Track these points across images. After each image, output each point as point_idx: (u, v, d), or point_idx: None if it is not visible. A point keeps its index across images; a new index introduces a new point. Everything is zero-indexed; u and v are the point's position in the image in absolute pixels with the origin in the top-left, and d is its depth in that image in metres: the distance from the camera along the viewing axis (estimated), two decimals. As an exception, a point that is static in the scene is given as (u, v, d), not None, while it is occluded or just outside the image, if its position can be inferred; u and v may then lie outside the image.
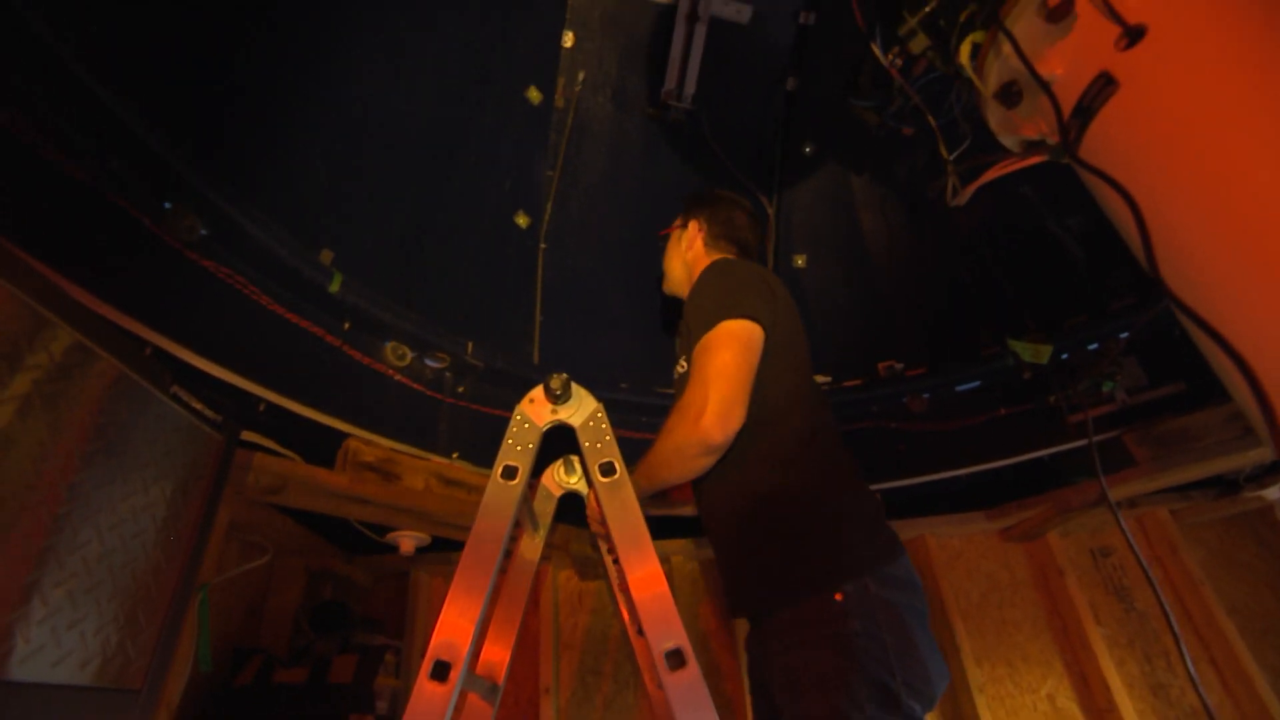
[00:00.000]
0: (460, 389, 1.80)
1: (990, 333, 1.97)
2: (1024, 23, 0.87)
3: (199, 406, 1.22)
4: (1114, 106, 0.77)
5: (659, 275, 1.79)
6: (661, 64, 2.09)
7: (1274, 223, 0.63)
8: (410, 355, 1.70)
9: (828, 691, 1.02)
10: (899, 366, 2.11)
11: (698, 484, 1.33)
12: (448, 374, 1.80)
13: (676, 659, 0.89)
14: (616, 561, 1.06)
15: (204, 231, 1.31)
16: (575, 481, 1.41)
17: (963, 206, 1.13)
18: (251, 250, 1.39)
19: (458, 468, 1.69)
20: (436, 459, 1.68)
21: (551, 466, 1.42)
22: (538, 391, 1.15)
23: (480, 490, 1.12)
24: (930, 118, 1.21)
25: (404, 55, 1.72)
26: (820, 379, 2.12)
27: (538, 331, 2.00)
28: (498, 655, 1.24)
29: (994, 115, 1.00)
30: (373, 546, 1.90)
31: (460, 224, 1.87)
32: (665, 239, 1.78)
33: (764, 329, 1.27)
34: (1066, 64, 0.84)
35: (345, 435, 1.54)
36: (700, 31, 2.01)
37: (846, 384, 2.14)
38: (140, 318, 1.16)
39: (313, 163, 1.54)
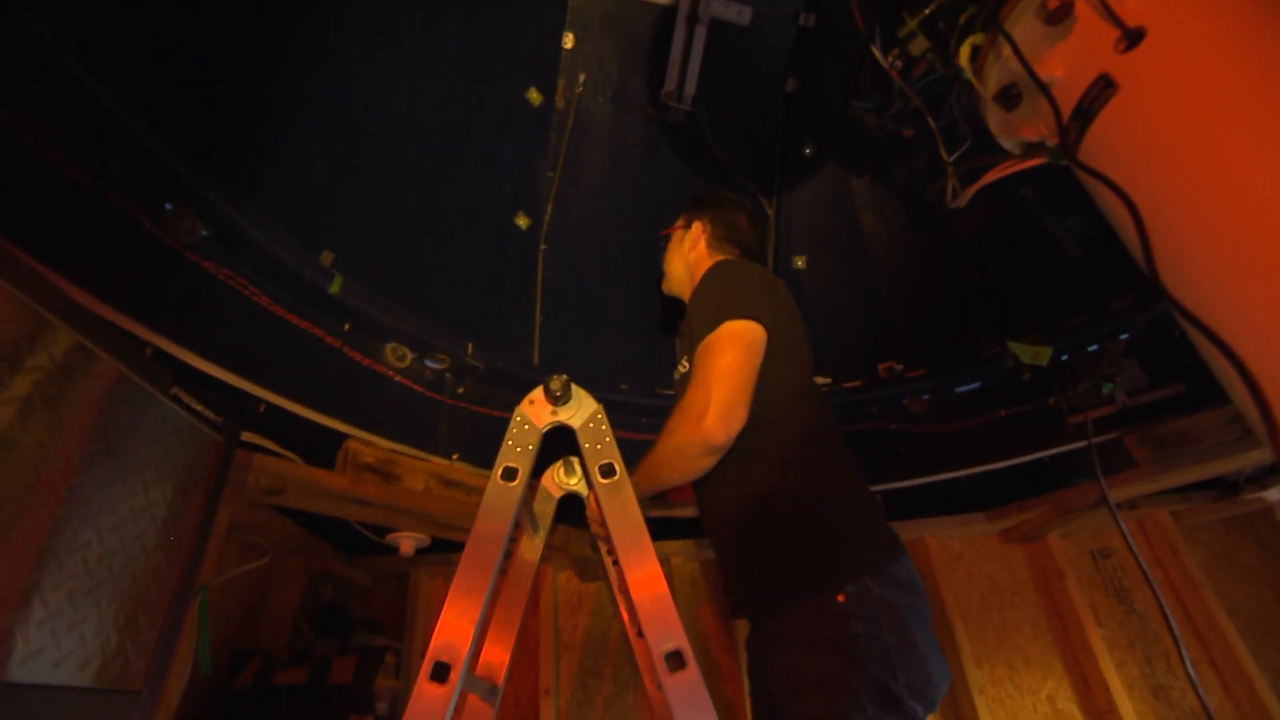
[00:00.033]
0: (460, 390, 1.81)
1: (990, 334, 1.97)
2: (1023, 25, 0.87)
3: (199, 408, 1.22)
4: (1113, 109, 0.77)
5: (659, 276, 1.79)
6: (662, 65, 2.09)
7: (1273, 225, 0.63)
8: (410, 356, 1.70)
9: (829, 692, 1.02)
10: (899, 368, 2.11)
11: (698, 485, 1.32)
12: (448, 375, 1.80)
13: (676, 660, 0.89)
14: (616, 563, 1.05)
15: (204, 233, 1.31)
16: (575, 483, 1.41)
17: (963, 208, 1.13)
18: (252, 251, 1.39)
19: (458, 469, 1.69)
20: (436, 460, 1.68)
21: (551, 468, 1.42)
22: (538, 393, 1.15)
23: (480, 491, 1.13)
24: (930, 119, 1.21)
25: (404, 56, 1.72)
26: (820, 380, 2.12)
27: (538, 333, 2.00)
28: (497, 656, 1.24)
29: (994, 117, 1.00)
30: (372, 547, 1.90)
31: (460, 225, 1.88)
32: (666, 239, 1.78)
33: (767, 330, 1.27)
34: (1066, 66, 0.84)
35: (345, 436, 1.54)
36: (700, 33, 2.02)
37: (846, 385, 2.14)
38: (140, 319, 1.16)
39: (313, 164, 1.55)
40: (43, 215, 1.08)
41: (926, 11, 1.07)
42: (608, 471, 1.08)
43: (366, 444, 1.56)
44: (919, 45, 1.11)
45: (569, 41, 2.07)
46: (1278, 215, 0.62)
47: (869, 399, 2.12)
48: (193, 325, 1.26)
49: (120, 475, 1.04)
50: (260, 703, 1.70)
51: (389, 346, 1.68)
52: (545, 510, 1.38)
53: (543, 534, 1.36)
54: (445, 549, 1.93)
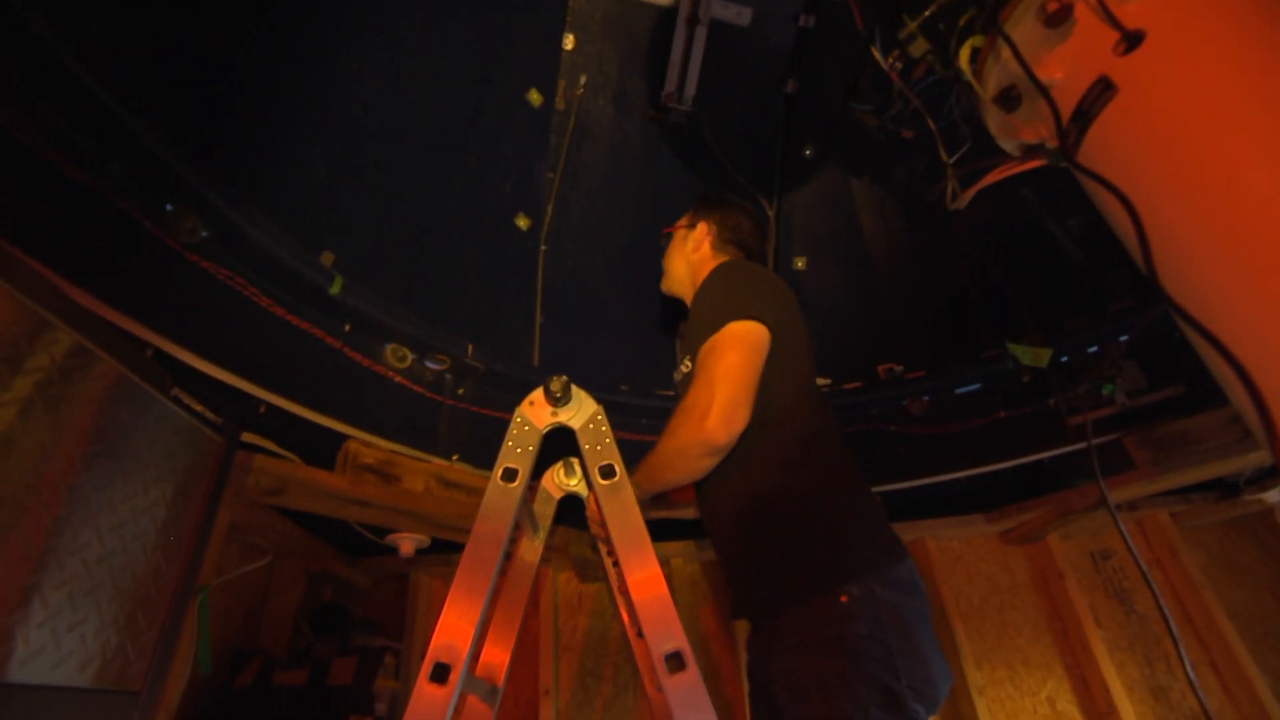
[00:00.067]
0: (460, 391, 1.81)
1: (990, 336, 1.98)
2: (1023, 27, 0.87)
3: (199, 408, 1.22)
4: (1112, 111, 0.78)
5: (659, 275, 1.79)
6: (662, 67, 2.09)
7: (1273, 228, 0.63)
8: (410, 357, 1.70)
9: (831, 693, 1.02)
10: (899, 369, 2.11)
11: (699, 485, 1.33)
12: (448, 376, 1.80)
13: (676, 662, 0.89)
14: (616, 564, 1.06)
15: (205, 233, 1.31)
16: (575, 484, 1.41)
17: (962, 209, 1.13)
18: (252, 252, 1.39)
19: (458, 470, 1.69)
20: (436, 461, 1.68)
21: (551, 469, 1.42)
22: (538, 394, 1.15)
23: (480, 492, 1.13)
24: (930, 121, 1.22)
25: (404, 56, 1.72)
26: (820, 381, 2.12)
27: (538, 333, 2.00)
28: (497, 657, 1.24)
29: (993, 119, 1.00)
30: (372, 548, 1.90)
31: (461, 226, 1.88)
32: (667, 238, 1.77)
33: (771, 331, 1.27)
34: (1065, 69, 0.84)
35: (345, 437, 1.54)
36: (700, 34, 2.02)
37: (846, 386, 2.14)
38: (141, 320, 1.16)
39: (313, 164, 1.55)
40: (43, 216, 1.08)
41: (926, 13, 1.07)
42: (608, 473, 1.08)
43: (366, 445, 1.56)
44: (919, 47, 1.12)
45: (569, 43, 2.07)
46: (1276, 217, 0.62)
47: (869, 400, 2.12)
48: (193, 326, 1.26)
49: (120, 476, 1.04)
50: (260, 703, 1.70)
51: (389, 347, 1.68)
52: (545, 511, 1.38)
53: (543, 535, 1.36)
54: (445, 550, 1.93)
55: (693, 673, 0.88)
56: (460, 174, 1.87)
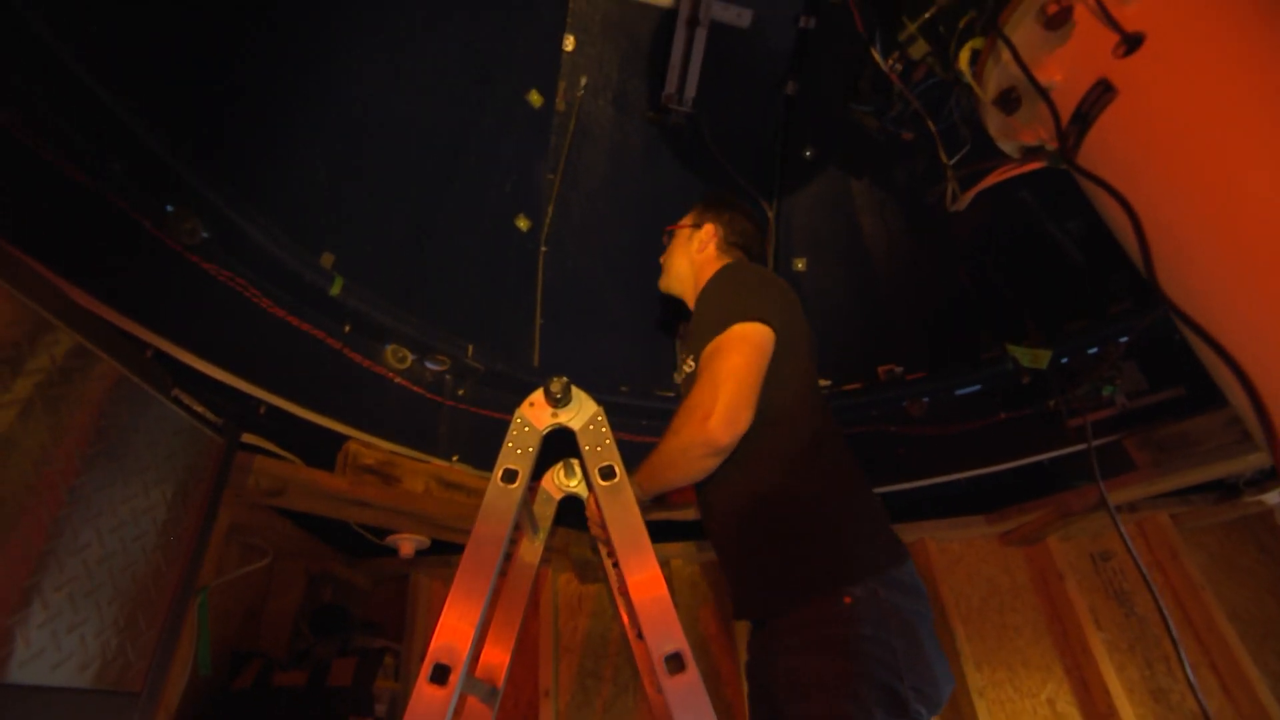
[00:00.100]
0: (460, 392, 1.81)
1: (990, 337, 1.98)
2: (1023, 30, 0.87)
3: (200, 409, 1.22)
4: (1112, 113, 0.78)
5: (659, 274, 1.78)
6: (662, 68, 2.09)
7: (1272, 230, 0.63)
8: (410, 358, 1.70)
9: (833, 694, 1.02)
10: (899, 370, 2.11)
11: (701, 486, 1.32)
12: (448, 377, 1.80)
13: (676, 663, 0.89)
14: (616, 565, 1.05)
15: (205, 234, 1.31)
16: (575, 485, 1.41)
17: (962, 211, 1.14)
18: (252, 253, 1.39)
19: (458, 471, 1.69)
20: (436, 462, 1.68)
21: (551, 470, 1.42)
22: (538, 395, 1.15)
23: (480, 493, 1.13)
24: (930, 123, 1.22)
25: (405, 57, 1.72)
26: (820, 382, 2.12)
27: (538, 335, 2.00)
28: (497, 658, 1.24)
29: (993, 121, 1.00)
30: (372, 549, 1.90)
31: (461, 227, 1.88)
32: (670, 235, 1.77)
33: (775, 332, 1.27)
34: (1065, 71, 0.84)
35: (345, 438, 1.54)
36: (701, 36, 2.02)
37: (846, 387, 2.14)
38: (141, 320, 1.16)
39: (313, 165, 1.55)
40: (43, 216, 1.08)
41: (926, 15, 1.07)
42: (608, 474, 1.08)
43: (367, 446, 1.56)
44: (919, 49, 1.12)
45: (570, 44, 2.08)
46: (1276, 219, 0.62)
47: (869, 401, 2.12)
48: (193, 327, 1.26)
49: (121, 477, 1.04)
50: (260, 704, 1.70)
51: (389, 348, 1.68)
52: (545, 512, 1.38)
53: (543, 536, 1.36)
54: (445, 551, 1.93)
55: (693, 674, 0.88)
56: (460, 175, 1.87)
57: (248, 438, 1.37)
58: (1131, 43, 0.76)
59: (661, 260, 1.76)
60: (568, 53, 2.08)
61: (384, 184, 1.70)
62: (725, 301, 1.33)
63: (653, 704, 1.29)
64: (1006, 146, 1.02)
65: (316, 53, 1.54)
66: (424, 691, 0.85)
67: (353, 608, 2.08)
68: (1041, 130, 0.91)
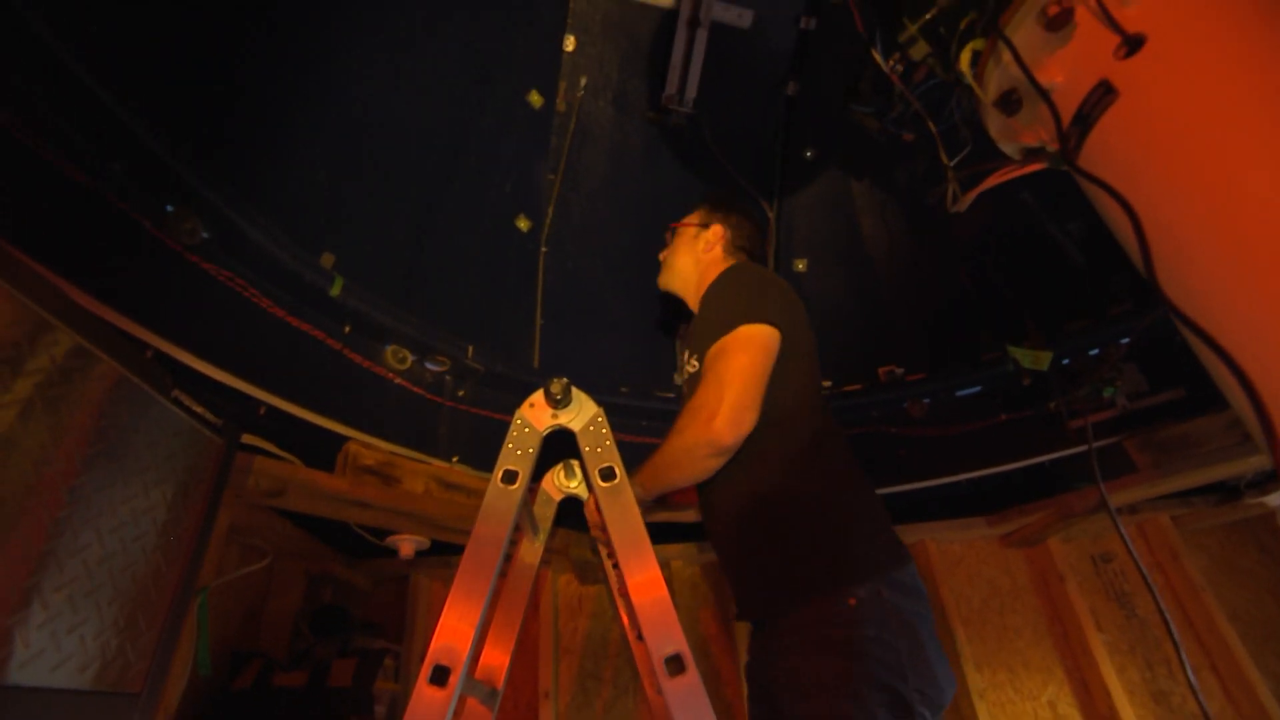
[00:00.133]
0: (460, 393, 1.81)
1: (990, 338, 1.97)
2: (1024, 31, 0.87)
3: (199, 410, 1.22)
4: (1113, 115, 0.77)
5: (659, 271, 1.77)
6: (663, 68, 2.09)
7: (1273, 231, 0.63)
8: (410, 359, 1.70)
9: (836, 694, 1.02)
10: (899, 371, 2.11)
11: (702, 487, 1.32)
12: (448, 377, 1.80)
13: (676, 664, 0.89)
14: (616, 566, 1.05)
15: (205, 234, 1.31)
16: (575, 486, 1.41)
17: (963, 212, 1.14)
18: (252, 253, 1.39)
19: (458, 472, 1.69)
20: (436, 463, 1.68)
21: (551, 471, 1.42)
22: (538, 396, 1.15)
23: (480, 494, 1.12)
24: (931, 124, 1.21)
25: (404, 57, 1.72)
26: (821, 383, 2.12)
27: (538, 335, 2.00)
28: (497, 660, 1.24)
29: (994, 122, 1.00)
30: (372, 550, 1.90)
31: (461, 227, 1.88)
32: (673, 232, 1.75)
33: (781, 334, 1.28)
34: (1066, 72, 0.84)
35: (345, 439, 1.54)
36: (701, 36, 2.02)
37: (847, 389, 2.14)
38: (141, 321, 1.16)
39: (313, 165, 1.55)
40: (43, 216, 1.08)
41: (927, 16, 1.07)
42: (608, 475, 1.08)
43: (366, 446, 1.56)
44: (920, 50, 1.12)
45: (570, 44, 2.07)
46: (1277, 221, 0.62)
47: (869, 402, 2.12)
48: (193, 327, 1.26)
49: (120, 477, 1.04)
50: (260, 705, 1.70)
51: (389, 349, 1.68)
52: (545, 513, 1.38)
53: (543, 537, 1.36)
54: (445, 552, 1.93)
55: (693, 676, 0.88)
56: (460, 175, 1.87)
57: (247, 438, 1.37)
58: (1133, 44, 0.76)
59: (662, 256, 1.74)
60: (568, 53, 2.08)
61: (384, 184, 1.70)
62: (731, 302, 1.33)
63: (653, 706, 1.29)
64: (1007, 148, 1.02)
65: (316, 53, 1.54)
66: (424, 693, 0.85)
67: (353, 608, 2.08)
68: (1042, 131, 0.91)
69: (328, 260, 1.53)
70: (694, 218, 1.71)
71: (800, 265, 2.27)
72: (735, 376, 1.20)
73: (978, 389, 2.01)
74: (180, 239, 1.27)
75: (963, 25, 1.00)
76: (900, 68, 1.25)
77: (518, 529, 1.20)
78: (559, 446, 1.20)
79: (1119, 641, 1.99)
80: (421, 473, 1.62)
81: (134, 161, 1.20)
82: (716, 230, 1.64)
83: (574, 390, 1.15)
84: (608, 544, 1.19)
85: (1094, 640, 1.93)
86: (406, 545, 1.78)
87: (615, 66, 2.14)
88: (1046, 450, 1.81)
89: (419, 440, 1.67)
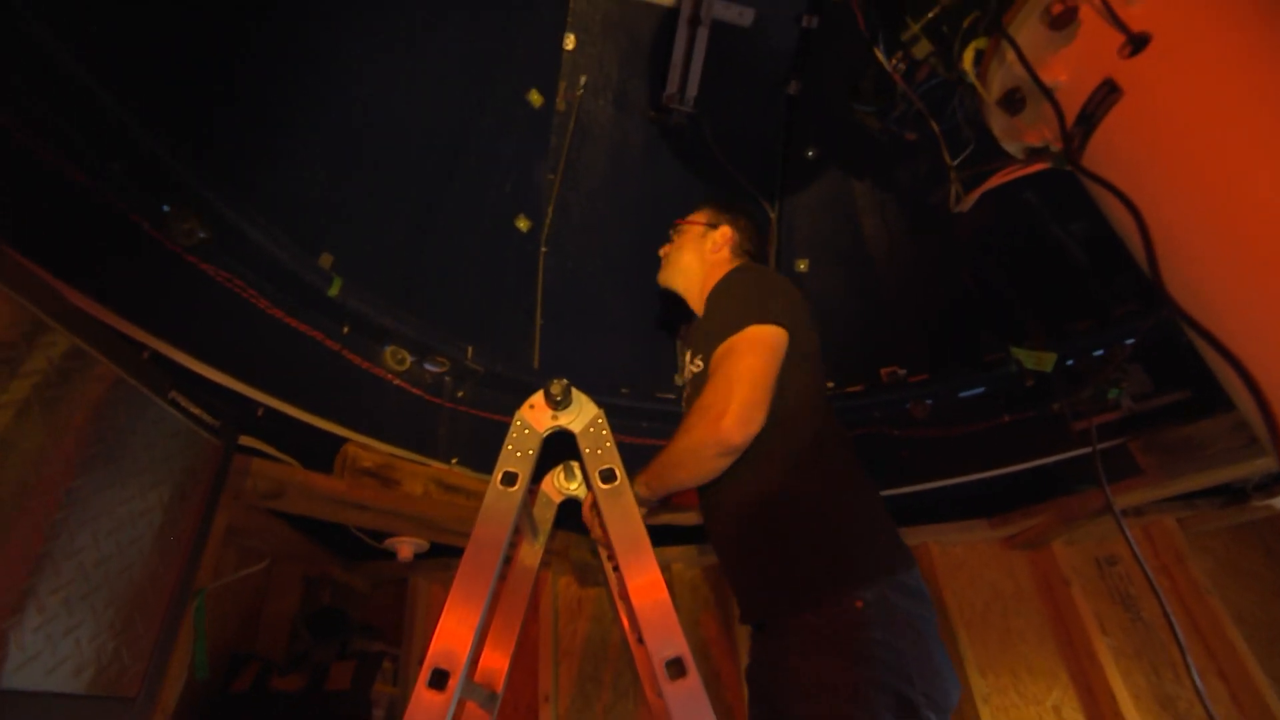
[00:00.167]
0: (460, 394, 1.80)
1: (993, 339, 1.96)
2: (1027, 29, 0.86)
3: (197, 411, 1.21)
4: (1118, 114, 0.77)
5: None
6: (663, 68, 2.09)
7: (1278, 232, 0.62)
8: (410, 360, 1.70)
9: (839, 696, 1.02)
10: (901, 372, 2.10)
11: (704, 488, 1.32)
12: (447, 379, 1.79)
13: (677, 668, 0.88)
14: (616, 568, 1.05)
15: (203, 235, 1.31)
16: (575, 487, 1.40)
17: (966, 212, 1.13)
18: (251, 254, 1.39)
19: (457, 473, 1.69)
20: (436, 464, 1.67)
21: (551, 472, 1.41)
22: (538, 397, 1.15)
23: (480, 496, 1.12)
24: (933, 123, 1.21)
25: (404, 57, 1.72)
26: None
27: (538, 336, 2.00)
28: (497, 663, 1.24)
29: (997, 122, 0.99)
30: (371, 552, 1.89)
31: (460, 227, 1.87)
32: (678, 229, 1.73)
33: (789, 335, 1.27)
34: (1070, 71, 0.83)
35: (344, 440, 1.53)
36: (702, 35, 2.01)
37: (849, 389, 2.13)
38: (139, 322, 1.16)
39: (312, 165, 1.54)
40: (41, 217, 1.08)
41: (930, 15, 1.06)
42: (608, 477, 1.07)
43: (365, 448, 1.55)
44: (922, 49, 1.11)
45: (570, 43, 2.07)
46: (1286, 221, 0.61)
47: (871, 403, 2.11)
48: (191, 328, 1.26)
49: (118, 479, 1.04)
50: (258, 708, 1.69)
51: (388, 350, 1.67)
52: (545, 515, 1.38)
53: (542, 539, 1.35)
54: (444, 554, 1.93)
55: (693, 679, 0.87)
56: (460, 175, 1.87)
57: (245, 440, 1.36)
58: (1137, 43, 0.75)
59: (664, 252, 1.72)
60: (568, 52, 2.07)
61: (383, 184, 1.70)
62: (739, 303, 1.33)
63: (653, 709, 1.28)
64: (1010, 147, 1.01)
65: (316, 53, 1.54)
66: (422, 696, 0.85)
67: (351, 611, 2.07)
68: (1046, 131, 0.90)
69: (326, 260, 1.53)
70: (701, 216, 1.69)
71: (802, 265, 2.27)
72: (744, 376, 1.19)
73: (981, 390, 2.00)
74: (178, 239, 1.27)
75: (966, 24, 0.99)
76: (903, 67, 1.24)
77: (517, 531, 1.19)
78: (559, 448, 1.19)
79: (1124, 645, 1.98)
80: (421, 474, 1.62)
81: (132, 162, 1.20)
82: (725, 231, 1.63)
83: (574, 391, 1.14)
84: (608, 546, 1.18)
85: (1099, 644, 1.91)
86: (405, 547, 1.77)
87: (615, 65, 2.13)
88: (1050, 452, 1.80)
89: (418, 442, 1.67)
